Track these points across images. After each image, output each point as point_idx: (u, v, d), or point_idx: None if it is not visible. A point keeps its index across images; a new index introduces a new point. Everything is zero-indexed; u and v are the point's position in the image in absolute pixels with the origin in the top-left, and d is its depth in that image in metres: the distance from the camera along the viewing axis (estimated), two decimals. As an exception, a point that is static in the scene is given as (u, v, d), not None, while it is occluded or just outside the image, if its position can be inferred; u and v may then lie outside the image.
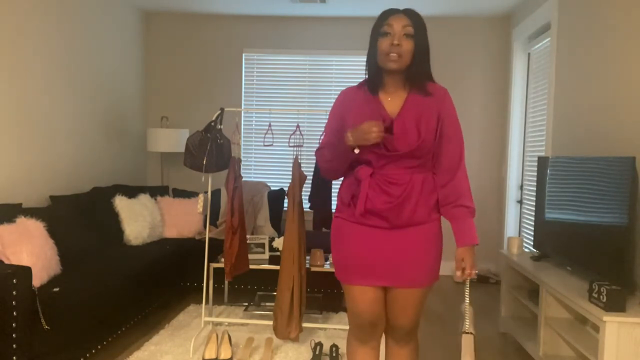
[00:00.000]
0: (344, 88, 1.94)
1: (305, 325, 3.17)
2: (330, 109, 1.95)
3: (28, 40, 3.44)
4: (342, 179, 1.95)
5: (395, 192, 1.77)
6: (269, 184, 4.87)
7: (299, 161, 3.09)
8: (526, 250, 3.99)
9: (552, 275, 2.78)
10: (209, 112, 5.23)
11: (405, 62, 1.76)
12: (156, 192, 4.54)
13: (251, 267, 3.31)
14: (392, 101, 1.82)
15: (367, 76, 1.86)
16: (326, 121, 1.95)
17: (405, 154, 1.76)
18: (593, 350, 2.29)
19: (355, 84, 1.91)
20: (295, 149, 3.50)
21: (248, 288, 3.98)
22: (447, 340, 3.36)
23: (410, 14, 1.78)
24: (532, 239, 3.75)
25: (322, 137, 2.00)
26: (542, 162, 3.20)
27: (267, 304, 3.78)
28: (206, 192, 3.78)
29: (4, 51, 3.22)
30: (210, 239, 3.83)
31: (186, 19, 5.22)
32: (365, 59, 1.85)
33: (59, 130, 3.82)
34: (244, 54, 5.21)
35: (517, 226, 4.72)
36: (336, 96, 1.95)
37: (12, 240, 2.63)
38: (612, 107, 2.85)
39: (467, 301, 1.96)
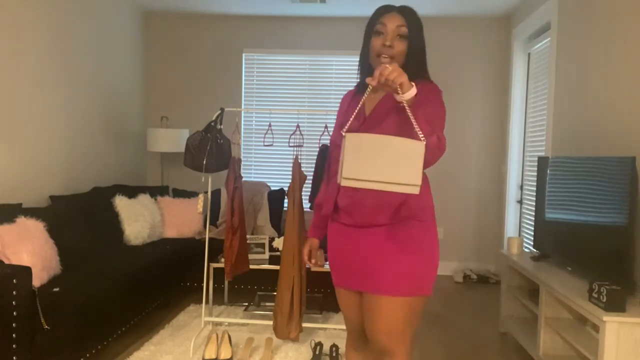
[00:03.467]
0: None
1: (305, 325, 3.17)
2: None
3: (27, 41, 3.44)
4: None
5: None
6: (269, 184, 4.87)
7: (299, 161, 3.09)
8: (526, 250, 3.99)
9: (552, 275, 2.78)
10: (209, 112, 5.24)
11: (396, 62, 1.63)
12: (156, 192, 4.54)
13: (251, 267, 3.31)
14: (375, 99, 1.71)
15: (358, 75, 1.79)
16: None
17: None
18: (593, 350, 2.29)
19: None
20: (295, 149, 3.52)
21: (248, 288, 3.98)
22: (448, 341, 3.36)
23: (405, 12, 1.68)
24: (532, 239, 3.75)
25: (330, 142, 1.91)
26: (542, 162, 3.20)
27: (267, 304, 3.78)
28: (206, 192, 3.78)
29: (3, 51, 3.22)
30: (210, 239, 3.83)
31: (186, 19, 5.22)
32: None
33: (59, 130, 3.82)
34: (244, 54, 5.21)
35: (517, 226, 4.72)
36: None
37: (12, 240, 2.63)
38: (612, 107, 2.85)
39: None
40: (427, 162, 1.43)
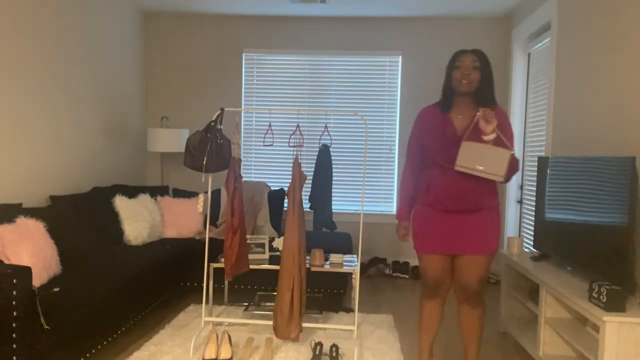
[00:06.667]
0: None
1: (305, 325, 3.17)
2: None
3: (27, 40, 3.44)
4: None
5: (461, 184, 2.38)
6: (269, 184, 4.87)
7: (299, 161, 3.09)
8: (526, 250, 3.99)
9: (552, 275, 2.78)
10: (209, 112, 5.24)
11: (473, 86, 2.37)
12: (156, 192, 4.54)
13: (251, 267, 3.31)
14: (463, 118, 2.43)
15: (442, 98, 2.49)
16: (410, 134, 2.59)
17: None
18: (593, 350, 2.29)
19: (431, 104, 2.56)
20: (295, 149, 3.54)
21: (248, 288, 3.98)
22: (447, 340, 3.36)
23: (476, 52, 2.40)
24: (532, 239, 3.75)
25: (408, 147, 2.60)
26: (542, 162, 3.20)
27: (267, 304, 3.78)
28: (206, 192, 3.78)
29: (3, 51, 3.22)
30: (210, 239, 3.84)
31: (186, 19, 5.22)
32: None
33: (59, 130, 3.82)
34: (244, 54, 5.21)
35: (517, 226, 4.72)
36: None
37: (12, 240, 2.63)
38: (612, 107, 2.85)
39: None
40: (510, 173, 2.32)
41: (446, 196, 2.41)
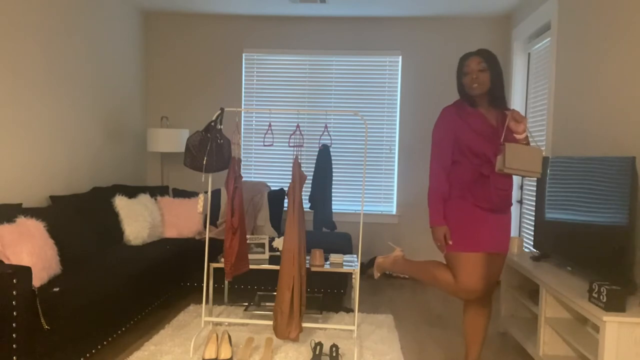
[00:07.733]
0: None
1: (305, 325, 3.17)
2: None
3: (28, 40, 3.44)
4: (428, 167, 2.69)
5: (504, 187, 2.44)
6: (269, 184, 4.87)
7: (299, 161, 3.09)
8: (526, 250, 4.00)
9: (552, 275, 2.78)
10: (209, 112, 5.24)
11: (485, 88, 2.42)
12: (156, 192, 4.54)
13: (251, 267, 3.31)
14: (489, 116, 2.48)
15: (462, 98, 2.51)
16: (435, 134, 2.51)
17: None
18: (593, 350, 2.29)
19: (450, 104, 2.55)
20: (295, 149, 3.54)
21: (248, 288, 3.99)
22: (447, 340, 3.36)
23: (481, 52, 2.43)
24: (532, 239, 3.75)
25: (437, 147, 2.50)
26: (542, 162, 3.19)
27: (267, 304, 3.78)
28: (206, 192, 3.78)
29: (4, 51, 3.22)
30: (210, 239, 3.83)
31: (186, 19, 5.22)
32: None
33: (59, 130, 3.82)
34: (244, 54, 5.21)
35: (517, 226, 4.73)
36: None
37: (12, 240, 2.63)
38: (612, 107, 2.85)
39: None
40: None
41: (498, 193, 2.43)
